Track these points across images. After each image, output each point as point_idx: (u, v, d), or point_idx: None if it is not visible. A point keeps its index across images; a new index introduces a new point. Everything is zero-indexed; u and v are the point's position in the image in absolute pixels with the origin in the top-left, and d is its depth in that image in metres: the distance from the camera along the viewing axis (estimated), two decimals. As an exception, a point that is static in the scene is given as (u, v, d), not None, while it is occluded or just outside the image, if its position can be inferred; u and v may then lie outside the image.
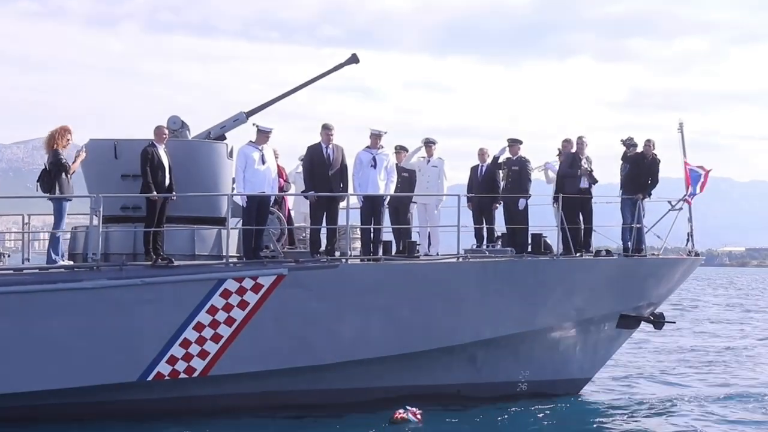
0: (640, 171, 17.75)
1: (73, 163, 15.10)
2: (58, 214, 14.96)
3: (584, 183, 17.33)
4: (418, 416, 15.01)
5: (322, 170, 15.95)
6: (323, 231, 16.28)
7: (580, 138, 17.67)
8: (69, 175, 14.93)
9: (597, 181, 17.47)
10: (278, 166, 16.76)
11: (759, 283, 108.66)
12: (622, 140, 18.25)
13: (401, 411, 14.98)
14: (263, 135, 15.73)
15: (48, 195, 14.92)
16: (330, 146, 16.03)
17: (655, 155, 17.82)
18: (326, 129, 16.08)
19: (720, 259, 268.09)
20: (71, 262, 15.58)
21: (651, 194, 17.87)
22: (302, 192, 16.55)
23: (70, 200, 15.19)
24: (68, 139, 15.08)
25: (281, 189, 16.88)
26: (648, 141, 17.97)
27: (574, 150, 17.62)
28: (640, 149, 17.98)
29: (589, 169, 17.32)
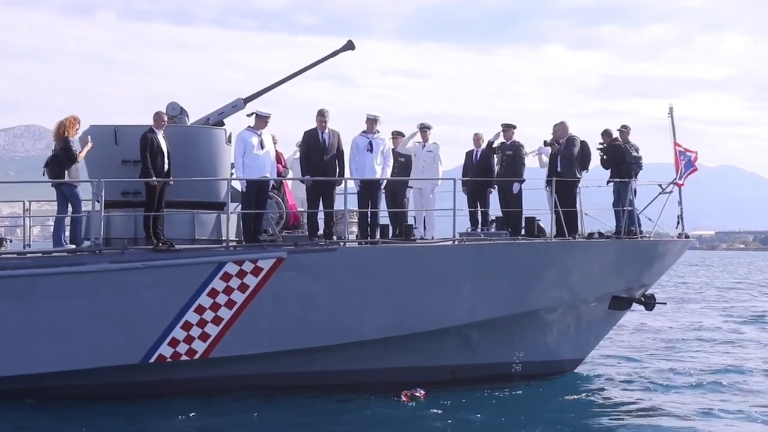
0: (610, 162, 18.10)
1: (81, 152, 15.33)
2: (74, 200, 15.35)
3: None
4: (421, 396, 15.40)
5: (319, 155, 16.07)
6: (320, 215, 16.46)
7: (561, 123, 17.90)
8: (77, 163, 15.21)
9: (566, 149, 17.46)
10: (277, 151, 16.88)
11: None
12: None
13: (412, 391, 15.42)
14: (262, 120, 15.88)
15: (53, 180, 15.18)
16: (326, 131, 16.14)
17: (614, 142, 18.10)
18: (320, 115, 16.20)
19: (690, 243, 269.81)
20: (73, 246, 15.70)
21: (632, 175, 17.94)
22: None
23: (77, 186, 15.37)
24: (77, 129, 15.44)
25: (279, 174, 16.99)
26: (604, 131, 18.29)
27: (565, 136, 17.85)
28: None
29: (555, 147, 17.45)
